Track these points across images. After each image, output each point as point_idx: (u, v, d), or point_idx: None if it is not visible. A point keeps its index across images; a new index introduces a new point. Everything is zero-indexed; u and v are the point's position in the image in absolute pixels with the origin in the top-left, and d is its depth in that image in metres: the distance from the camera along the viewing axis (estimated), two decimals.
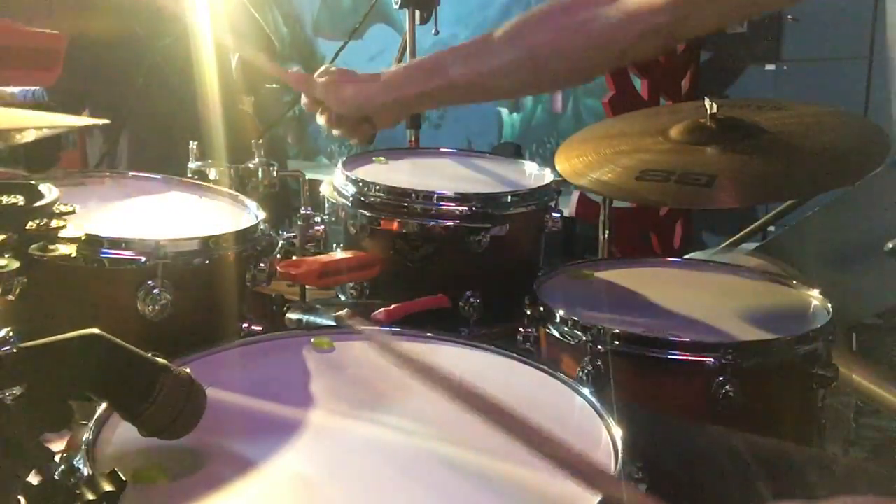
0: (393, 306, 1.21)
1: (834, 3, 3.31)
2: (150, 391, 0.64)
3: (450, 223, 1.34)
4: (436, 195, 1.35)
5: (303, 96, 1.33)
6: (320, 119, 1.32)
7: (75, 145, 3.14)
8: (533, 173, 1.60)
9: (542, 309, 1.20)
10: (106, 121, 1.78)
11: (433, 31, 2.47)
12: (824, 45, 3.35)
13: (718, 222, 3.58)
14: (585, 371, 1.10)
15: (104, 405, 0.74)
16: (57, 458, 0.64)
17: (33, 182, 0.88)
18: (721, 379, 1.06)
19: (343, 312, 1.13)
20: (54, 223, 0.81)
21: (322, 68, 1.31)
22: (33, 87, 2.54)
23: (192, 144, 1.52)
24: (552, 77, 1.17)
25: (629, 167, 1.44)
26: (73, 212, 0.89)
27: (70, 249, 0.87)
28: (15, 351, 0.60)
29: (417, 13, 2.40)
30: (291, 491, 0.69)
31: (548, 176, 1.55)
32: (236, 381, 0.88)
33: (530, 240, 1.46)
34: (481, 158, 1.71)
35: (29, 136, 0.98)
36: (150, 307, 1.01)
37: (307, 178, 1.59)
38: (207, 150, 1.53)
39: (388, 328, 1.05)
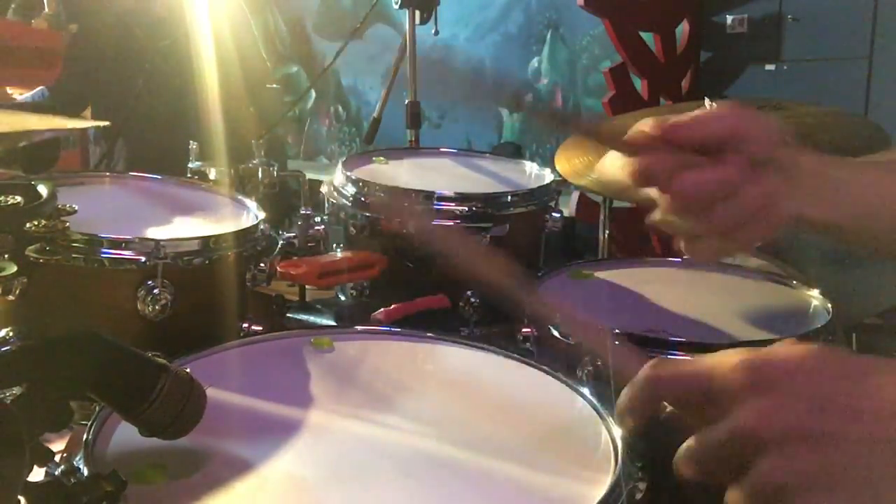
0: (393, 306, 1.20)
1: (834, 3, 3.31)
2: (149, 391, 0.64)
3: (450, 223, 1.34)
4: (436, 195, 1.34)
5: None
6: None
7: (75, 145, 3.14)
8: (533, 173, 1.60)
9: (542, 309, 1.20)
10: (106, 122, 1.78)
11: (433, 31, 2.47)
12: (824, 45, 3.34)
13: None
14: (585, 371, 1.10)
15: (104, 405, 0.74)
16: (57, 458, 0.64)
17: (32, 182, 0.88)
18: None
19: None
20: (53, 224, 0.81)
21: None
22: (39, 88, 2.54)
23: (193, 144, 1.52)
24: None
25: None
26: (73, 212, 0.89)
27: (67, 252, 0.87)
28: (15, 351, 0.60)
29: (417, 13, 2.40)
30: (291, 491, 0.69)
31: (548, 176, 1.54)
32: (236, 381, 0.88)
33: (530, 240, 1.46)
34: (481, 158, 1.71)
35: (30, 139, 0.98)
36: (150, 307, 1.01)
37: (307, 177, 1.59)
38: (207, 151, 1.54)
39: (389, 329, 1.05)
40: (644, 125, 0.75)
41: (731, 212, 0.71)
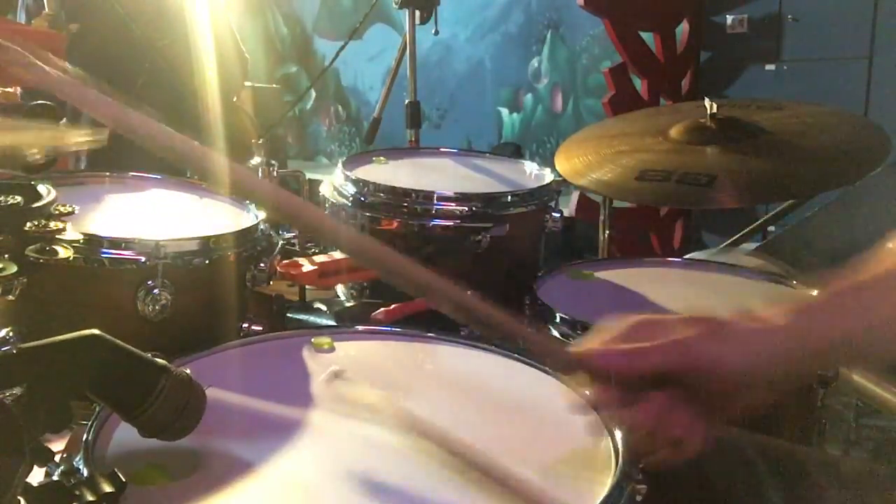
0: (393, 306, 1.20)
1: (834, 3, 3.31)
2: (149, 392, 0.64)
3: (450, 223, 1.34)
4: (436, 195, 1.34)
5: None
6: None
7: None
8: (533, 173, 1.60)
9: (542, 309, 1.20)
10: (103, 137, 1.76)
11: (433, 31, 2.47)
12: (824, 45, 3.35)
13: (718, 222, 3.58)
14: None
15: (104, 405, 0.74)
16: (57, 458, 0.64)
17: (32, 182, 0.88)
18: None
19: None
20: (53, 224, 0.81)
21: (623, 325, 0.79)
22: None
23: None
24: None
25: (629, 167, 1.44)
26: (72, 212, 0.89)
27: (67, 252, 0.87)
28: (15, 351, 0.60)
29: (417, 13, 2.40)
30: (290, 491, 0.69)
31: (548, 176, 1.54)
32: (236, 381, 0.88)
33: (530, 240, 1.46)
34: (481, 158, 1.71)
35: (36, 155, 0.98)
36: (150, 307, 1.01)
37: (307, 177, 1.59)
38: None
39: (389, 328, 1.05)
40: (591, 345, 0.76)
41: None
